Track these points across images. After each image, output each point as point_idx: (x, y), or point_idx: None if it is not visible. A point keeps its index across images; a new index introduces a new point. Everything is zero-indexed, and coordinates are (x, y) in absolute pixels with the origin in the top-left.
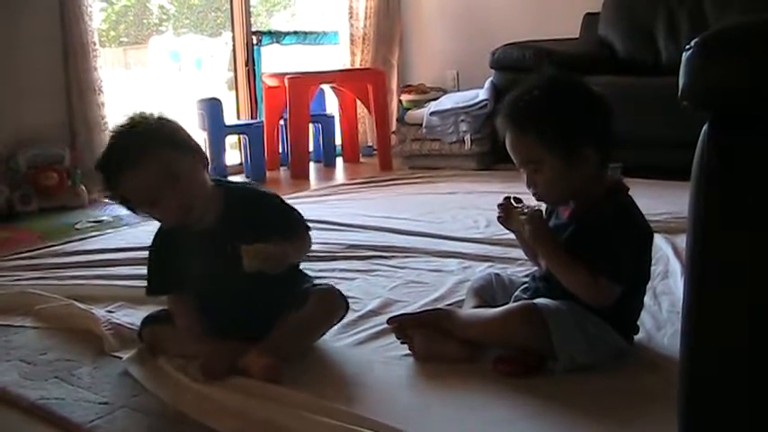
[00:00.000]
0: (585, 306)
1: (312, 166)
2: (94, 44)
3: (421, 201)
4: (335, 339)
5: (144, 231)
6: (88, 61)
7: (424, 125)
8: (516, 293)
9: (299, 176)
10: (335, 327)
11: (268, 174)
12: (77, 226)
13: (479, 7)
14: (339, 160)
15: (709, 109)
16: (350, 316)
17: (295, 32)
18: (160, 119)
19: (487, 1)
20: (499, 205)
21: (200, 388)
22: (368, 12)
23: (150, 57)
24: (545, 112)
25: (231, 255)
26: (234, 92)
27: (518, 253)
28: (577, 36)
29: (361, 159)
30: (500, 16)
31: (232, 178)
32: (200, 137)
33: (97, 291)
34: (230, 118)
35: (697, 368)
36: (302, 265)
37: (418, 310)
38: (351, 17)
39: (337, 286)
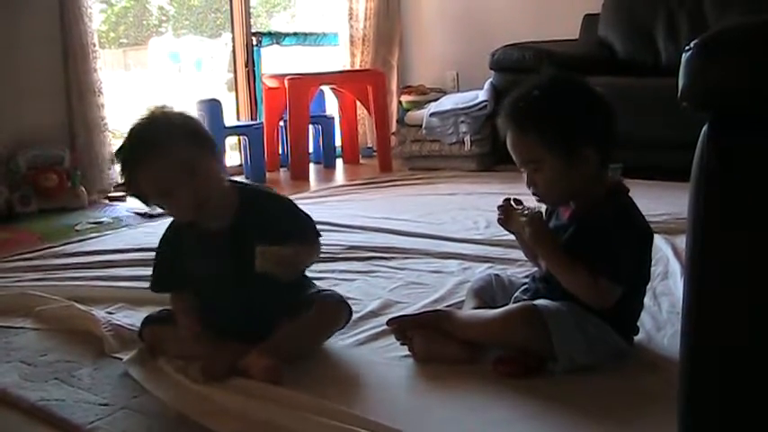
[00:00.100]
0: (585, 307)
1: (312, 167)
2: (94, 45)
3: (421, 202)
4: (336, 340)
5: (143, 233)
6: (88, 62)
7: (423, 126)
8: (516, 294)
9: (299, 178)
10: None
11: (268, 175)
12: (77, 227)
13: (479, 8)
14: (339, 161)
15: (709, 110)
16: None
17: (295, 34)
18: (181, 114)
19: (487, 2)
20: (499, 207)
21: (201, 389)
22: (368, 13)
23: (150, 58)
24: (545, 112)
25: (243, 254)
26: (234, 93)
27: (518, 254)
28: (577, 37)
29: (361, 160)
30: (500, 17)
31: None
32: None
33: (97, 292)
34: (230, 119)
35: (697, 368)
36: None
37: (418, 312)
38: (351, 18)
39: (337, 287)
